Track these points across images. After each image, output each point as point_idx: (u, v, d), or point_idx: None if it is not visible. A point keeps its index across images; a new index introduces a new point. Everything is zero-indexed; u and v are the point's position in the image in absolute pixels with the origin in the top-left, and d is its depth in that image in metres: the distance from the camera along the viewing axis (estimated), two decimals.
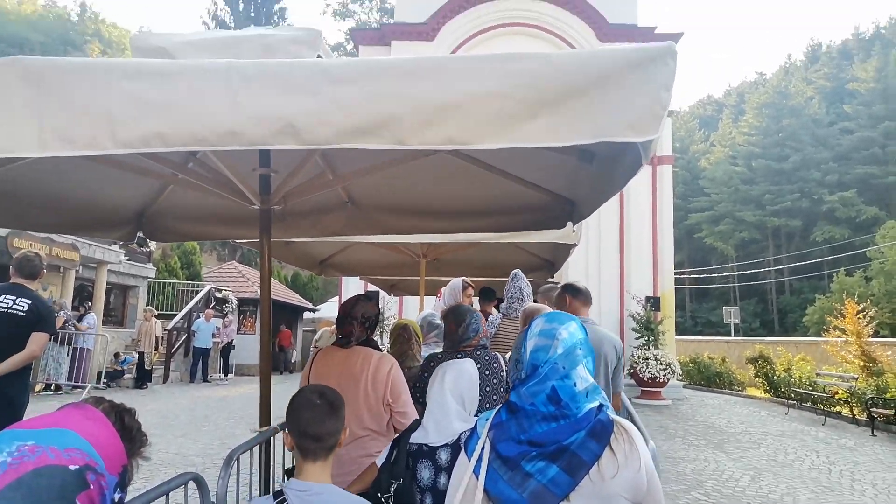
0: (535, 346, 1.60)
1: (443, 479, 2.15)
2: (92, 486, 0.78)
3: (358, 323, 3.04)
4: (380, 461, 2.28)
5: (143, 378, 15.67)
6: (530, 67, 1.33)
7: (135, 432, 0.90)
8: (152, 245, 19.02)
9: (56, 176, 3.39)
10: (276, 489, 1.87)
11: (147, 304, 18.72)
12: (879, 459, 8.70)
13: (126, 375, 15.73)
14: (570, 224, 3.96)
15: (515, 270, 4.87)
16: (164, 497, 2.23)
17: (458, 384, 2.23)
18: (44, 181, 3.39)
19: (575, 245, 5.57)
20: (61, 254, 13.92)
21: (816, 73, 61.90)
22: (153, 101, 1.42)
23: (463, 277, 5.57)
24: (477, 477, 1.52)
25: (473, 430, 1.64)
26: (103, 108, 1.45)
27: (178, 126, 1.39)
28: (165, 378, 17.12)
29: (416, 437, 2.22)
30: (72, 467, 0.77)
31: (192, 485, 2.33)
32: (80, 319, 14.09)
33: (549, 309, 4.04)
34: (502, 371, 3.07)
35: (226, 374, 19.25)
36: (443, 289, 6.01)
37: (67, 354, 13.51)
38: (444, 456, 2.15)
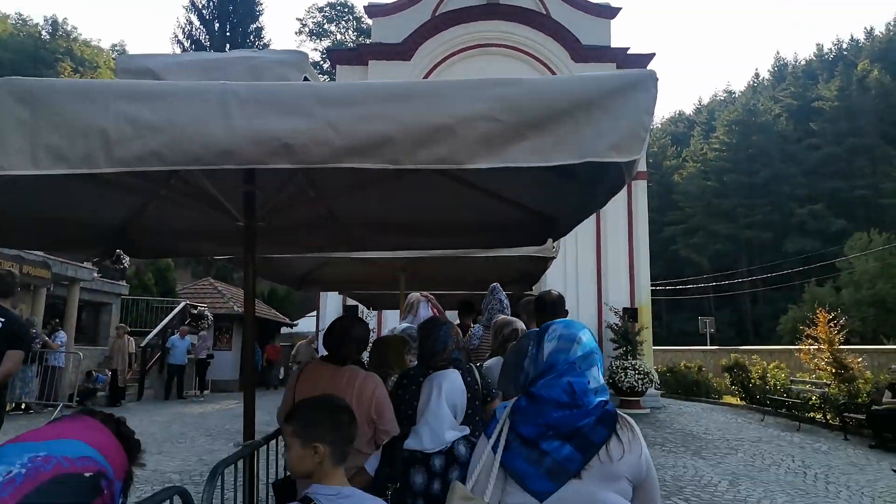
0: (554, 348, 1.79)
1: (436, 485, 2.23)
2: (105, 492, 0.81)
3: (356, 345, 3.09)
4: (370, 466, 2.32)
5: (116, 396, 15.40)
6: (518, 91, 1.38)
7: (132, 440, 0.94)
8: (126, 261, 18.75)
9: (31, 191, 3.35)
10: (301, 496, 1.83)
11: (120, 321, 18.41)
12: (852, 462, 8.89)
13: (99, 394, 15.44)
14: (549, 240, 4.01)
15: (494, 284, 4.92)
16: None
17: (452, 395, 2.32)
18: (17, 197, 3.35)
19: (553, 258, 5.65)
20: (32, 271, 13.65)
21: (783, 92, 63.52)
22: (149, 120, 1.45)
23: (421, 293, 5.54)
24: (494, 453, 1.72)
25: (493, 416, 1.83)
26: (98, 128, 1.47)
27: (175, 145, 1.42)
28: (140, 395, 16.84)
29: (409, 444, 2.30)
30: (86, 474, 0.80)
31: (177, 499, 2.33)
32: (50, 337, 13.81)
33: (520, 322, 4.06)
34: (476, 384, 3.10)
35: (201, 391, 18.99)
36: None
37: (37, 374, 13.21)
38: (437, 462, 2.25)
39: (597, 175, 2.27)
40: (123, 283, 19.00)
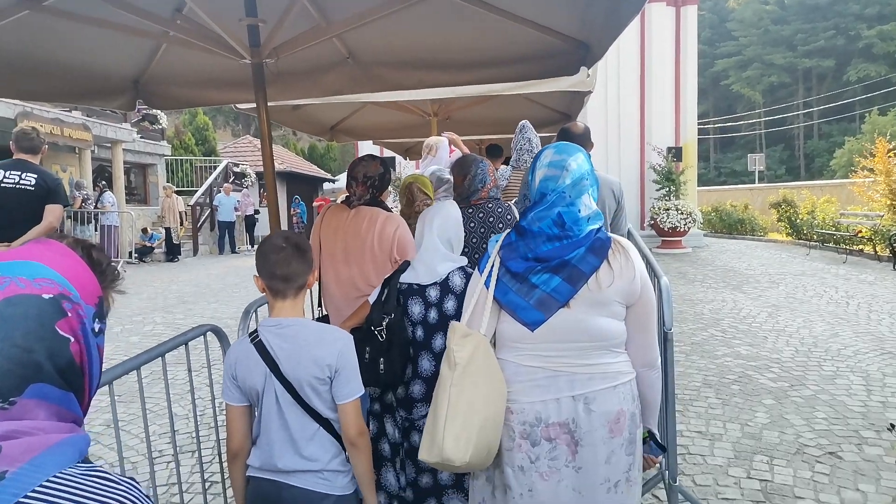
0: (544, 176, 1.76)
1: (432, 314, 2.33)
2: (70, 315, 0.77)
3: (359, 183, 3.00)
4: (371, 298, 2.42)
5: (173, 252, 16.18)
6: None
7: (105, 266, 0.88)
8: (163, 121, 18.82)
9: (41, 40, 3.26)
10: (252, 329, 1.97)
11: (166, 181, 18.88)
12: None
13: (156, 251, 16.23)
14: (583, 69, 3.75)
15: (523, 122, 4.70)
16: (185, 348, 2.33)
17: (445, 228, 2.38)
18: (28, 46, 3.26)
19: (590, 93, 5.34)
20: (73, 134, 13.87)
21: None
22: None
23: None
24: (487, 288, 1.74)
25: (486, 251, 1.84)
26: None
27: None
28: (195, 251, 17.65)
29: (406, 277, 2.38)
30: (45, 296, 0.75)
31: (212, 337, 2.43)
32: (98, 199, 14.28)
33: None
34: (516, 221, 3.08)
35: (252, 246, 19.77)
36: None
37: (96, 230, 13.88)
38: (433, 293, 2.34)
39: None
40: (164, 143, 19.20)
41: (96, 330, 0.82)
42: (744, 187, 26.76)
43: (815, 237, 14.42)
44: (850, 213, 14.36)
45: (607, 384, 1.70)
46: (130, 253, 15.39)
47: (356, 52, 4.04)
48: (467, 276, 2.38)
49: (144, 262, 15.60)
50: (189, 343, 2.30)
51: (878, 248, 12.36)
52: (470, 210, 3.10)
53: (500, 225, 3.05)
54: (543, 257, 1.68)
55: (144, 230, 16.29)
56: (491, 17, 3.34)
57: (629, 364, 1.76)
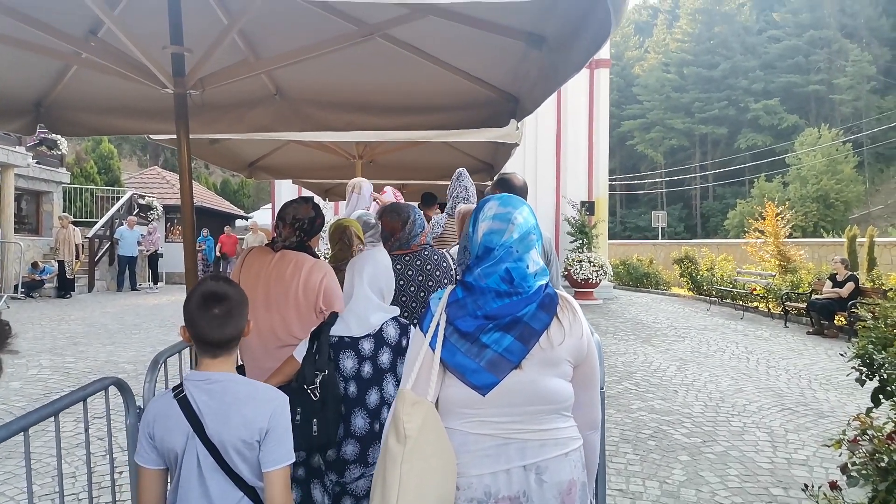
0: (489, 229, 1.65)
1: (366, 367, 2.22)
2: None
3: (286, 224, 2.84)
4: (299, 354, 2.26)
5: (65, 287, 14.99)
6: None
7: None
8: (63, 147, 17.70)
9: None
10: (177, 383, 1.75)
11: (63, 211, 17.63)
12: (791, 348, 9.34)
13: (47, 285, 14.99)
14: (513, 122, 3.78)
15: (460, 169, 4.68)
16: (83, 405, 2.06)
17: (376, 277, 2.28)
18: None
19: (516, 145, 5.40)
20: None
21: None
22: None
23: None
24: (433, 350, 1.60)
25: (427, 308, 1.70)
26: None
27: None
28: (90, 287, 16.46)
29: (337, 330, 2.24)
30: None
31: (114, 391, 2.16)
32: None
33: None
34: (451, 269, 2.99)
35: (155, 283, 18.68)
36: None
37: None
38: (366, 346, 2.22)
39: (569, 35, 2.01)
40: (63, 170, 17.99)
41: None
42: (648, 242, 28.10)
43: (714, 293, 15.20)
44: (745, 272, 15.28)
45: (559, 451, 1.60)
46: (16, 287, 14.16)
47: (284, 89, 3.90)
48: (401, 327, 2.27)
49: (32, 297, 14.36)
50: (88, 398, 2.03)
51: (770, 306, 13.16)
52: (407, 258, 2.97)
53: (438, 272, 2.96)
54: (493, 314, 1.58)
55: (35, 264, 15.03)
56: (424, 64, 3.31)
57: (577, 430, 1.68)
